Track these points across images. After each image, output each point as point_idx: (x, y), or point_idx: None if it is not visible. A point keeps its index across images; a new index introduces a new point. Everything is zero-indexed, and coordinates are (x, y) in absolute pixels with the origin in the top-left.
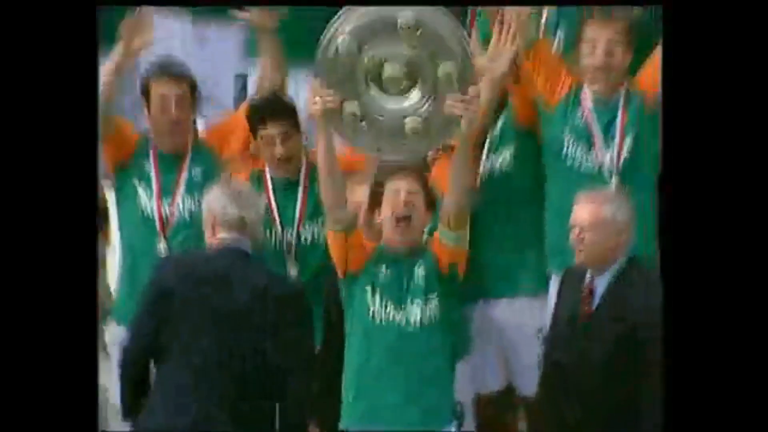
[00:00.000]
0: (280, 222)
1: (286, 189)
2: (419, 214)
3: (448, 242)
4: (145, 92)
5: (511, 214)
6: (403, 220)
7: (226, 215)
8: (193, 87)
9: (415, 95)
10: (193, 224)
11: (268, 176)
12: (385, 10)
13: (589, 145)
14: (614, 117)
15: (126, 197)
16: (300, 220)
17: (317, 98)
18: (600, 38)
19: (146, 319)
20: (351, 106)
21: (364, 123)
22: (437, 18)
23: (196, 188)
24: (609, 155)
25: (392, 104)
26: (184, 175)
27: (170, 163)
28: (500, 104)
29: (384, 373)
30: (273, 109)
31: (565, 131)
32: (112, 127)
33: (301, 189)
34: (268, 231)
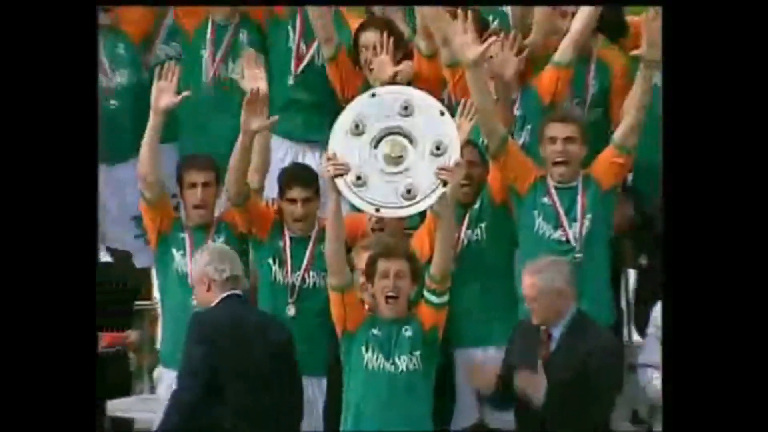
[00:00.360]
0: (291, 266)
1: (300, 241)
2: (405, 290)
3: (433, 303)
4: (179, 179)
5: (485, 284)
6: (391, 298)
7: (223, 274)
8: (218, 175)
9: (408, 162)
10: None
11: (285, 229)
12: (388, 99)
13: (556, 223)
14: (575, 200)
15: (165, 263)
16: (307, 267)
17: (330, 166)
18: (560, 135)
19: (200, 365)
20: (356, 171)
21: (366, 186)
22: (427, 100)
23: None
24: (572, 232)
25: (390, 168)
26: (210, 241)
27: (199, 233)
28: (478, 187)
29: (376, 414)
30: (299, 176)
31: (535, 212)
32: (160, 205)
33: (311, 243)
34: (280, 272)
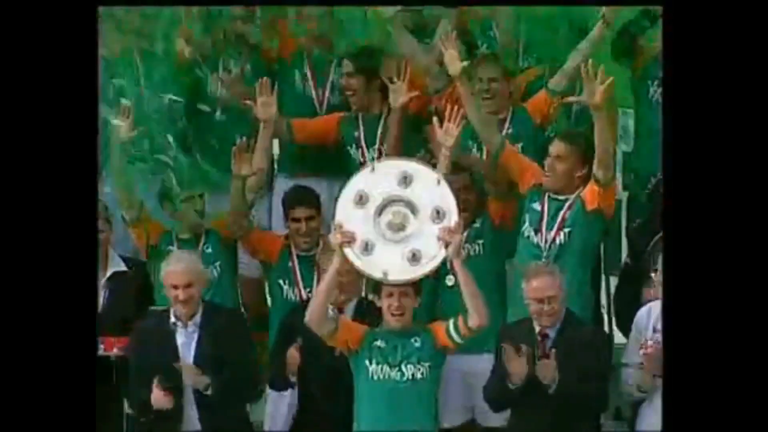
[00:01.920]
0: (302, 284)
1: (307, 260)
2: (410, 306)
3: (453, 339)
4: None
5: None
6: (398, 315)
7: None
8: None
9: (411, 228)
10: (211, 286)
11: (293, 251)
12: (387, 172)
13: (537, 228)
14: (559, 212)
15: (158, 272)
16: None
17: (338, 235)
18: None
19: None
20: (362, 239)
21: (373, 253)
22: (423, 170)
23: (209, 260)
24: (546, 239)
25: (394, 235)
26: (199, 251)
27: (188, 245)
28: (475, 209)
29: (383, 421)
30: (301, 198)
31: (527, 215)
32: (144, 222)
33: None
34: (291, 291)
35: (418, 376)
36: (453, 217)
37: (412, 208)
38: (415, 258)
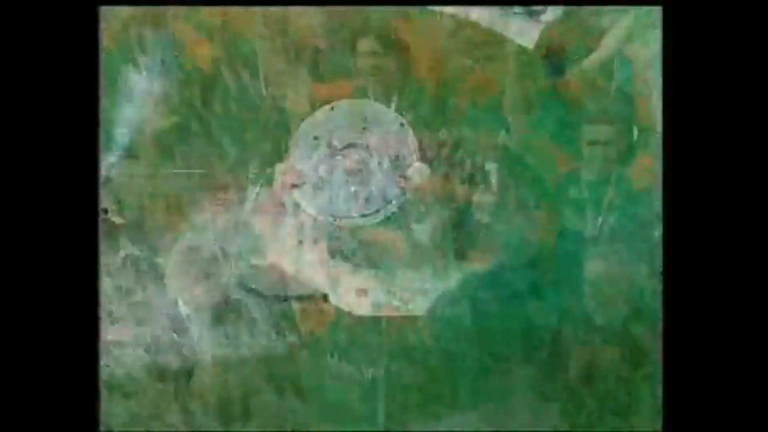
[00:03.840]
0: None
1: None
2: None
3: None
4: None
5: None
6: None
7: None
8: None
9: (367, 173)
10: None
11: None
12: (348, 113)
13: (582, 215)
14: (604, 195)
15: None
16: None
17: (287, 177)
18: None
19: None
20: (314, 182)
21: (324, 196)
22: (386, 113)
23: None
24: (595, 226)
25: (349, 179)
26: None
27: None
28: None
29: (338, 419)
30: None
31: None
32: None
33: None
34: None
35: (377, 375)
36: (413, 162)
37: (370, 153)
38: (368, 203)
